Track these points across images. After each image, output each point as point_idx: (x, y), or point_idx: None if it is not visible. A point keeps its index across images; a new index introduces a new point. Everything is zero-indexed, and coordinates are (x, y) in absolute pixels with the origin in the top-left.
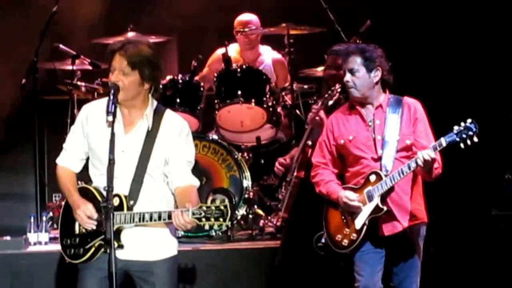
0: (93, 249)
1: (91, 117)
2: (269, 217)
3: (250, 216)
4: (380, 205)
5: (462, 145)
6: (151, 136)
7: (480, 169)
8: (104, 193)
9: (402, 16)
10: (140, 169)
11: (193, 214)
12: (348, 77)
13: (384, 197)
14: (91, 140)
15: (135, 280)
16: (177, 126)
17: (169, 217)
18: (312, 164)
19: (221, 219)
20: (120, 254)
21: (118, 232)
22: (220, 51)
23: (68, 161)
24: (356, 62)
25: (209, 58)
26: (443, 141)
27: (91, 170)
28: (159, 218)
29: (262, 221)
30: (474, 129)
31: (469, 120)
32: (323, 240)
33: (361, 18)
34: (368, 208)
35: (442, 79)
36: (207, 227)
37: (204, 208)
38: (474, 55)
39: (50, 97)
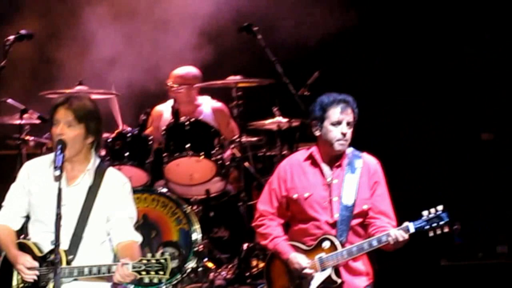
0: None
1: (33, 174)
2: (219, 270)
3: (200, 269)
4: (334, 277)
5: (431, 234)
6: (92, 192)
7: None
8: (42, 247)
9: (350, 67)
10: (81, 224)
11: (133, 267)
12: (347, 129)
13: (337, 267)
14: (33, 197)
15: None
16: (119, 183)
17: (109, 270)
18: (257, 208)
19: (161, 272)
20: None
21: None
22: (158, 108)
23: (7, 218)
24: (353, 114)
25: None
26: (412, 227)
27: (32, 228)
28: (99, 271)
29: (212, 274)
30: (446, 219)
31: (440, 208)
32: None
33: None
34: (319, 276)
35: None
36: (147, 280)
37: (145, 261)
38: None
39: None
